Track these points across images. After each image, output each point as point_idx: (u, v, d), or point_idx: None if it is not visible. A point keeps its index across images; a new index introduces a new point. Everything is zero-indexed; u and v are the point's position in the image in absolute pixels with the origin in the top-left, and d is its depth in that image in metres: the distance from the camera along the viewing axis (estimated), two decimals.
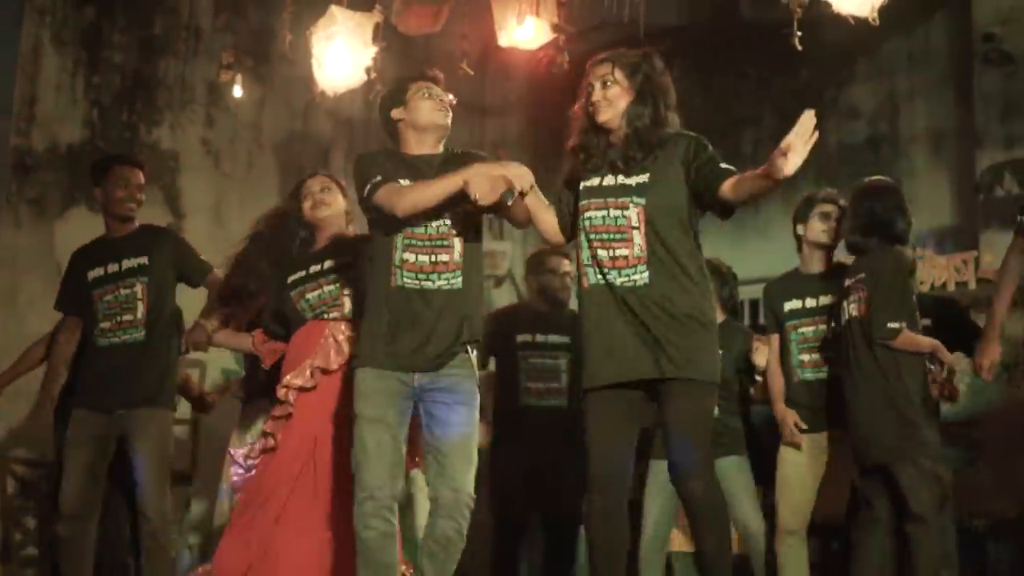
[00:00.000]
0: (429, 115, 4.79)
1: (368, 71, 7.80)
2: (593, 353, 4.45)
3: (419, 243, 4.61)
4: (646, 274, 4.37)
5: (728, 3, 10.43)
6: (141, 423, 5.67)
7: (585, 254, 4.50)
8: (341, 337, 5.21)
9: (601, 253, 4.44)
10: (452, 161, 4.73)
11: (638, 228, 4.39)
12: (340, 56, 7.58)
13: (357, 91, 8.39)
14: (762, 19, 10.24)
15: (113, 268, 5.85)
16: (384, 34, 8.05)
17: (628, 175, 4.48)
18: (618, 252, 4.41)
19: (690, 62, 10.52)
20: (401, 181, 4.60)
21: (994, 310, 5.49)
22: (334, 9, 7.52)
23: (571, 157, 4.68)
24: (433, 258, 4.61)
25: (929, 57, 9.45)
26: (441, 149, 4.86)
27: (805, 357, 5.84)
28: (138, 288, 5.81)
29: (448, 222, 4.63)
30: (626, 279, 4.39)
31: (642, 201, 4.41)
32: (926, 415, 5.30)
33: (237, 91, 8.64)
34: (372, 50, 7.68)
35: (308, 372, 5.15)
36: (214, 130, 9.28)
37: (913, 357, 5.30)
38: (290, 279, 5.36)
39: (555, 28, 7.27)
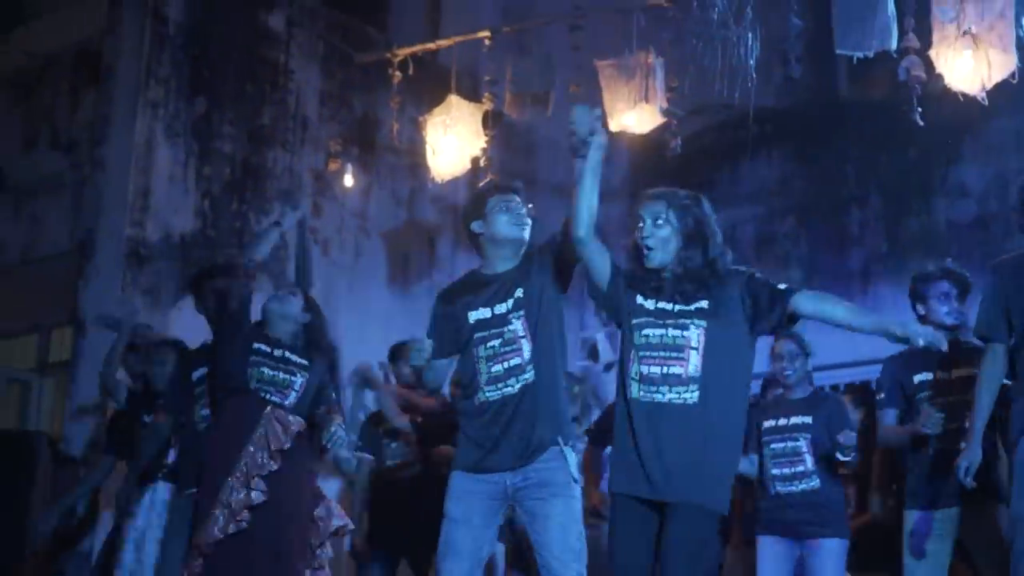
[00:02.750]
0: (506, 228, 4.85)
1: (476, 160, 7.91)
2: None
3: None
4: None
5: (825, 84, 10.39)
6: None
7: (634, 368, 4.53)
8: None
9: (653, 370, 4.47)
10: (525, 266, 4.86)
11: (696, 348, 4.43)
12: (451, 144, 7.70)
13: (460, 178, 8.49)
14: (861, 98, 10.23)
15: None
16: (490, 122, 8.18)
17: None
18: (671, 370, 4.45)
19: (792, 144, 10.50)
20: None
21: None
22: (451, 98, 7.63)
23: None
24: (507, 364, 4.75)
25: None
26: (518, 261, 4.91)
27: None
28: None
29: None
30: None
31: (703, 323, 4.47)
32: None
33: (348, 180, 8.74)
34: (481, 139, 7.79)
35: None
36: (321, 219, 9.35)
37: None
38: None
39: (665, 113, 7.32)
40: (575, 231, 4.52)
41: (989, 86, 6.70)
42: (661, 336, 4.46)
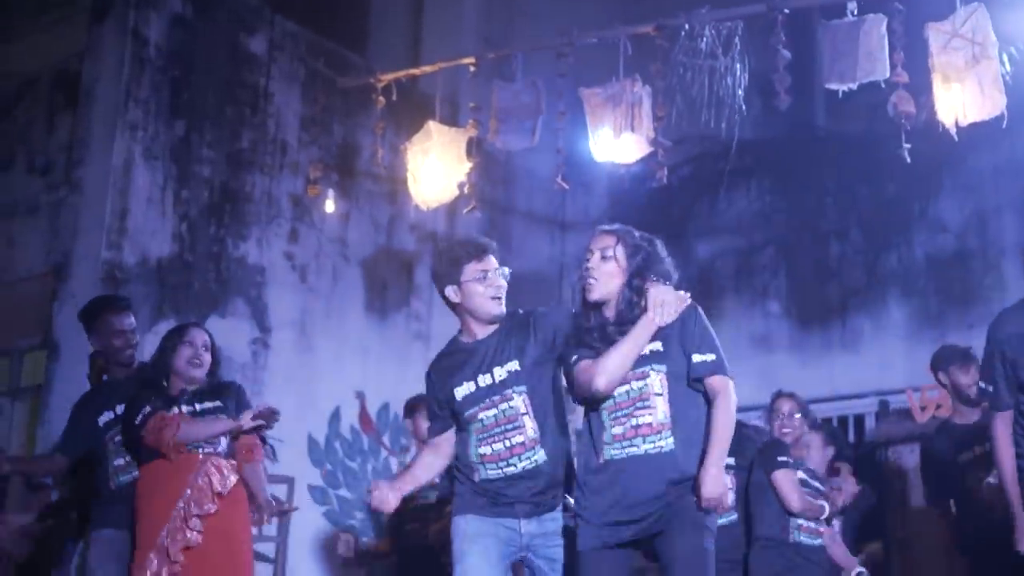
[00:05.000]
0: (484, 304, 4.72)
1: (461, 186, 7.87)
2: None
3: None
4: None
5: (803, 116, 10.39)
6: None
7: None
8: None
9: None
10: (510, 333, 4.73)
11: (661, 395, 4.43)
12: (433, 171, 7.65)
13: (440, 205, 8.44)
14: (839, 131, 10.24)
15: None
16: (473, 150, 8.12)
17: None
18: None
19: (771, 177, 10.50)
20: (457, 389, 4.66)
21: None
22: (431, 125, 7.59)
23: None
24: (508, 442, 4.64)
25: (1016, 169, 9.37)
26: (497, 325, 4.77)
27: None
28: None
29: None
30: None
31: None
32: None
33: (328, 205, 8.66)
34: (465, 166, 7.75)
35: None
36: (299, 244, 9.29)
37: None
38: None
39: (653, 143, 7.28)
40: (600, 388, 4.44)
41: (965, 123, 6.71)
42: (627, 391, 4.46)
